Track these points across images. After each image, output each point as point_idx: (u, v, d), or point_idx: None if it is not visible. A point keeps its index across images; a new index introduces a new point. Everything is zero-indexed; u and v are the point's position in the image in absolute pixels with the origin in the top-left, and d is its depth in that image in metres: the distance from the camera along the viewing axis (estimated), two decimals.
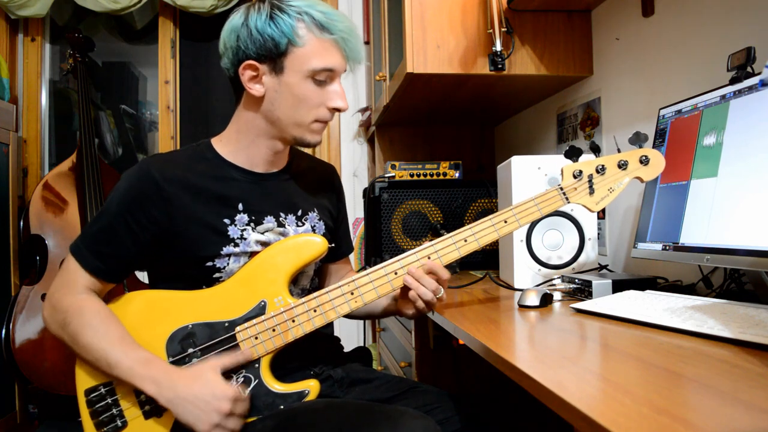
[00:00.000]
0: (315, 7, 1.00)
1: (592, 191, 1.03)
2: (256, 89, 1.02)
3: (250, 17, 1.00)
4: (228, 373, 0.98)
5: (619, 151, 1.07)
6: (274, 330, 0.99)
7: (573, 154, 1.07)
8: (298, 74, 1.00)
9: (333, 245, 1.10)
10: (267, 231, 1.07)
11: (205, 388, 0.91)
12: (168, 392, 0.91)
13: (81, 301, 1.00)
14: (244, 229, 1.05)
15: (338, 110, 1.05)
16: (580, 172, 1.03)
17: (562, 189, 1.04)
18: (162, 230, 1.01)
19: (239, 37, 1.01)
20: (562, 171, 1.05)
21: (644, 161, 1.03)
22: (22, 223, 2.47)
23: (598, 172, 1.03)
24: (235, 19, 1.03)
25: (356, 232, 2.75)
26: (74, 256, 1.02)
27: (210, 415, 0.89)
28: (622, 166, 1.03)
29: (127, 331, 0.99)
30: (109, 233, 1.01)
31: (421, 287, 0.99)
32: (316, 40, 0.99)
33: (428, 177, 1.98)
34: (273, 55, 1.00)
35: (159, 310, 1.01)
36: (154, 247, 1.02)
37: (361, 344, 2.77)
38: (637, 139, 1.05)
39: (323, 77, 1.02)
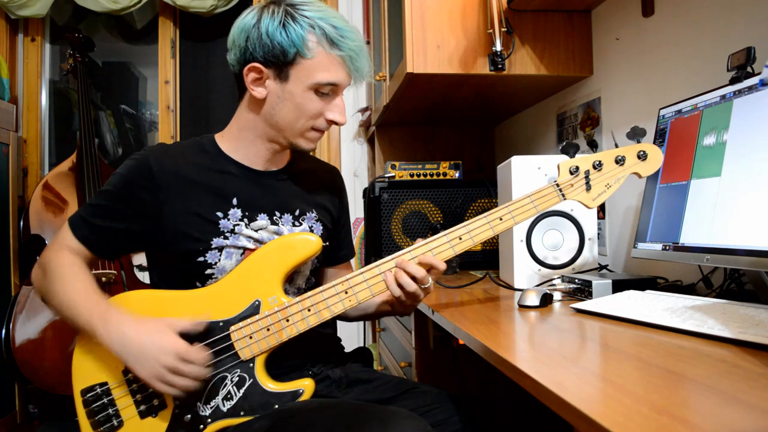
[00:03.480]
0: (328, 20, 1.00)
1: (588, 187, 1.01)
2: (258, 91, 1.04)
3: (263, 20, 1.00)
4: (222, 373, 0.98)
5: (616, 146, 1.07)
6: (268, 329, 0.99)
7: (570, 149, 1.06)
8: (302, 84, 1.02)
9: (327, 244, 1.10)
10: (260, 229, 1.07)
11: (151, 341, 0.93)
12: (117, 343, 0.94)
13: (62, 256, 1.04)
14: (237, 224, 1.06)
15: (336, 123, 1.06)
16: (577, 168, 1.01)
17: (558, 185, 1.02)
18: (152, 216, 1.04)
19: (249, 38, 1.01)
20: (558, 167, 1.03)
21: (642, 156, 1.01)
22: (22, 223, 2.47)
23: (595, 168, 1.01)
24: (248, 18, 1.03)
25: (356, 232, 2.75)
26: (69, 223, 1.07)
27: (152, 365, 0.92)
28: (620, 161, 1.01)
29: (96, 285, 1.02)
30: (104, 210, 1.06)
31: (404, 276, 0.97)
32: (325, 54, 1.00)
33: (428, 177, 1.98)
34: (279, 62, 1.00)
35: (154, 310, 1.02)
36: (144, 231, 1.05)
37: (362, 344, 2.77)
38: (635, 134, 1.05)
39: (327, 90, 1.03)
